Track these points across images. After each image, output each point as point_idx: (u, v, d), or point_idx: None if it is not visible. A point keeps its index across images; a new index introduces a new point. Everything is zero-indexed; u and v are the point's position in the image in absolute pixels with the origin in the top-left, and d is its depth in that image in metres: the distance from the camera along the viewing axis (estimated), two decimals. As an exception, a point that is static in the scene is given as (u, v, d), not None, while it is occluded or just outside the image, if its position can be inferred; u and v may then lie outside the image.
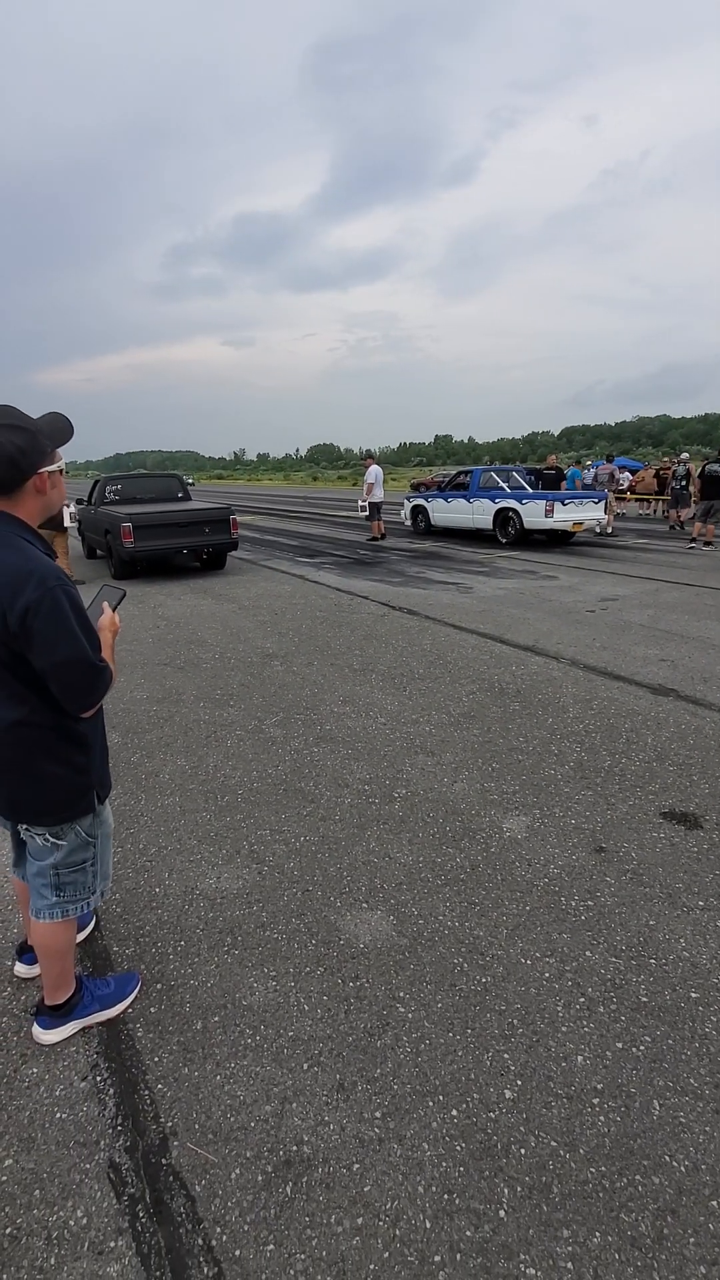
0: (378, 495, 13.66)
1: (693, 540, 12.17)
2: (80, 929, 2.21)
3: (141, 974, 2.06)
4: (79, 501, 11.50)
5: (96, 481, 10.82)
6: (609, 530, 14.15)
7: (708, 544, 11.98)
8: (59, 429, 1.58)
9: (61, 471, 1.59)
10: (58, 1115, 1.64)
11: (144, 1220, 1.41)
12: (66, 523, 8.32)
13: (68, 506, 8.33)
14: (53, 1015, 1.82)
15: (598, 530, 13.67)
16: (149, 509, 9.36)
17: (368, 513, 13.90)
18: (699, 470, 12.70)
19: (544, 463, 16.01)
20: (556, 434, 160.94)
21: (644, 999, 1.95)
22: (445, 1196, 1.44)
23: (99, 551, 10.66)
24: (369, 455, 14.48)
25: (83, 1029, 1.87)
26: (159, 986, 2.02)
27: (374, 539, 13.80)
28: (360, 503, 14.38)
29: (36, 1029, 1.83)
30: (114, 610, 1.77)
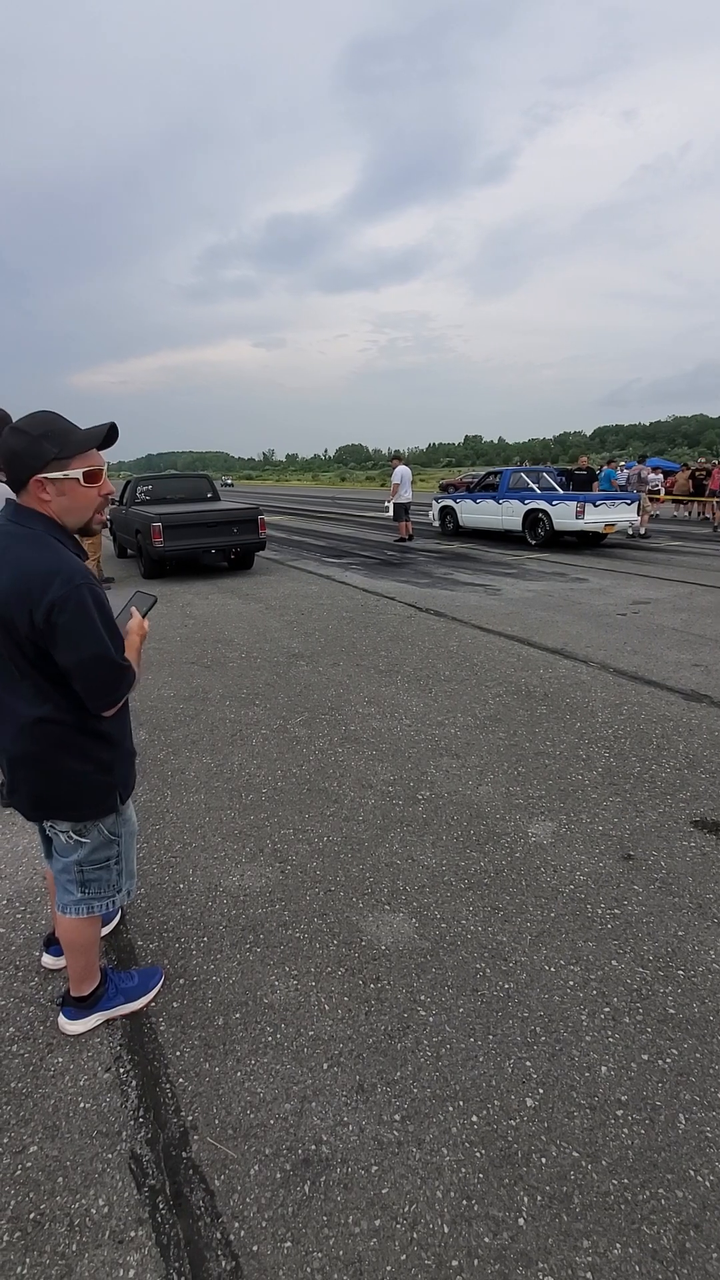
0: (405, 496, 13.61)
1: None
2: (105, 923, 2.25)
3: (165, 969, 2.08)
4: (111, 502, 11.71)
5: (128, 482, 11.02)
6: (642, 532, 13.88)
7: None
8: (72, 438, 1.50)
9: (79, 480, 1.52)
10: (81, 1105, 1.67)
11: (164, 1212, 1.43)
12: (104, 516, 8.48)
13: (113, 500, 8.46)
14: (78, 1006, 1.86)
15: (630, 533, 13.43)
16: (178, 509, 9.48)
17: (393, 514, 13.87)
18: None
19: (575, 463, 15.81)
20: (589, 434, 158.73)
21: (671, 1011, 1.90)
22: (464, 1202, 1.42)
23: (130, 551, 10.83)
24: (397, 456, 14.44)
25: (107, 1021, 1.90)
26: (181, 982, 2.04)
27: (401, 540, 13.77)
28: (385, 503, 14.37)
29: (62, 1019, 1.86)
30: (144, 616, 1.78)
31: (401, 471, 13.75)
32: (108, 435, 1.58)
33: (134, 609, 1.78)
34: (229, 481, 79.70)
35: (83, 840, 1.71)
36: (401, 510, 13.68)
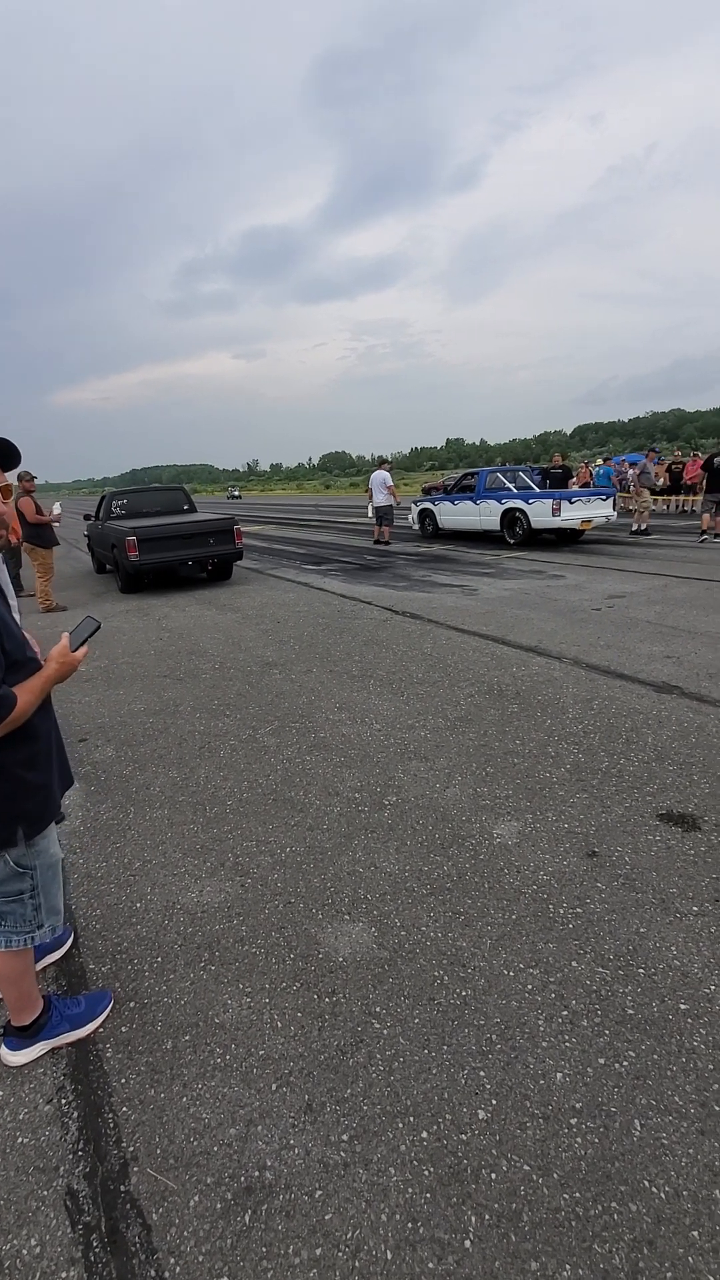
0: (379, 500, 13.62)
1: (703, 533, 11.96)
2: (57, 947, 2.19)
3: (115, 992, 2.02)
4: (86, 517, 11.63)
5: (103, 497, 10.94)
6: (643, 528, 13.76)
7: (718, 536, 11.78)
8: None
9: None
10: (19, 1140, 1.60)
11: (97, 1250, 1.37)
12: (56, 511, 8.37)
13: (56, 525, 8.38)
14: (19, 1036, 1.80)
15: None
16: (153, 522, 9.42)
17: (374, 517, 13.90)
18: (704, 462, 12.50)
19: (551, 461, 15.88)
20: (569, 433, 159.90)
21: (630, 1011, 1.86)
22: (409, 1225, 1.37)
23: (108, 566, 10.75)
24: (383, 461, 14.47)
25: (52, 1050, 1.84)
26: (132, 1005, 1.98)
27: (378, 543, 13.78)
28: (369, 508, 14.39)
29: (3, 1050, 1.80)
30: (81, 643, 1.68)
31: (376, 476, 13.79)
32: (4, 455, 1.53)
33: (65, 633, 1.70)
34: (236, 493, 77.43)
35: None
36: (378, 514, 13.69)
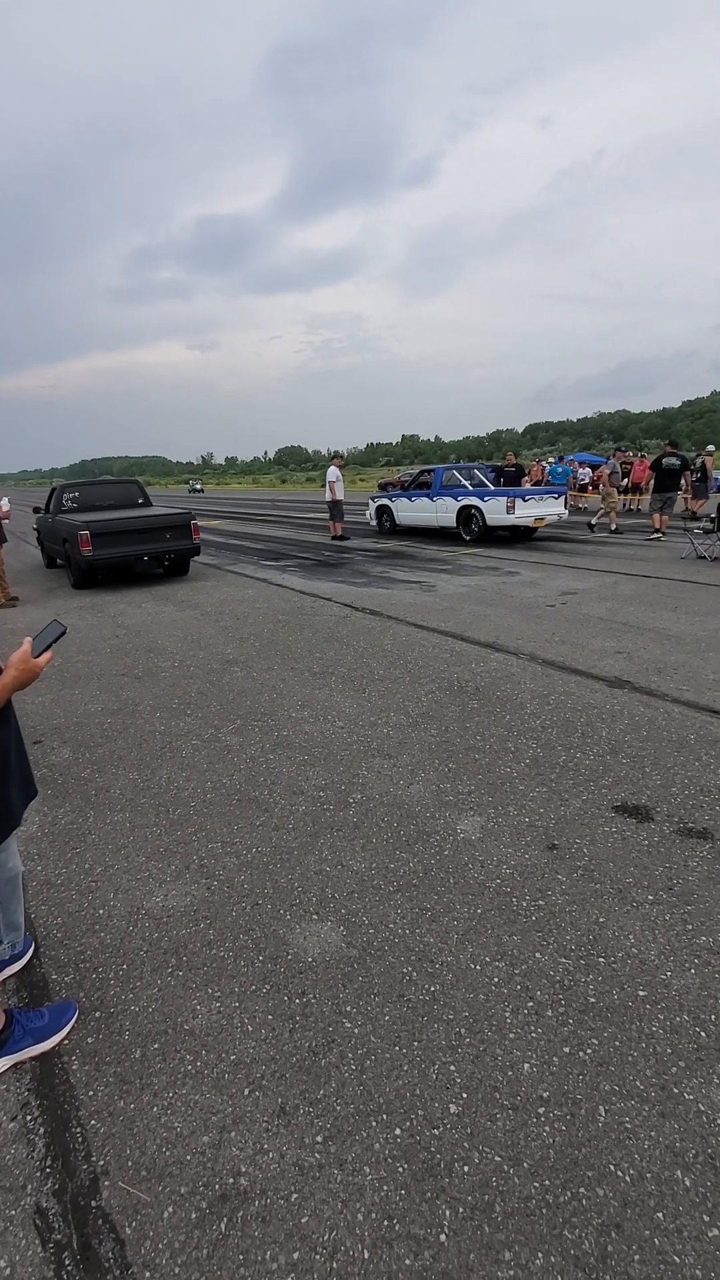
0: (337, 494, 13.63)
1: (655, 531, 12.38)
2: (15, 960, 2.12)
3: (80, 1002, 1.97)
4: (36, 510, 11.24)
5: (54, 490, 10.59)
6: (613, 528, 13.95)
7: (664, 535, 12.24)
8: None
9: None
10: (-20, 1158, 1.55)
11: (70, 1268, 1.34)
12: (4, 507, 8.07)
13: (5, 521, 8.07)
14: None
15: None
16: (107, 516, 9.18)
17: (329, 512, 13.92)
18: (653, 462, 12.93)
19: (504, 460, 16.14)
20: (520, 431, 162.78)
21: (592, 1000, 1.93)
22: (385, 1223, 1.39)
23: (59, 561, 10.42)
24: (336, 455, 14.44)
25: (14, 1065, 1.78)
26: (98, 1015, 1.94)
27: (336, 538, 13.78)
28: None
29: None
30: (45, 649, 1.63)
31: (333, 470, 13.79)
32: None
33: (27, 640, 1.64)
34: (199, 487, 72.75)
35: None
36: (333, 508, 13.70)
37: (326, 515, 14.48)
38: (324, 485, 13.98)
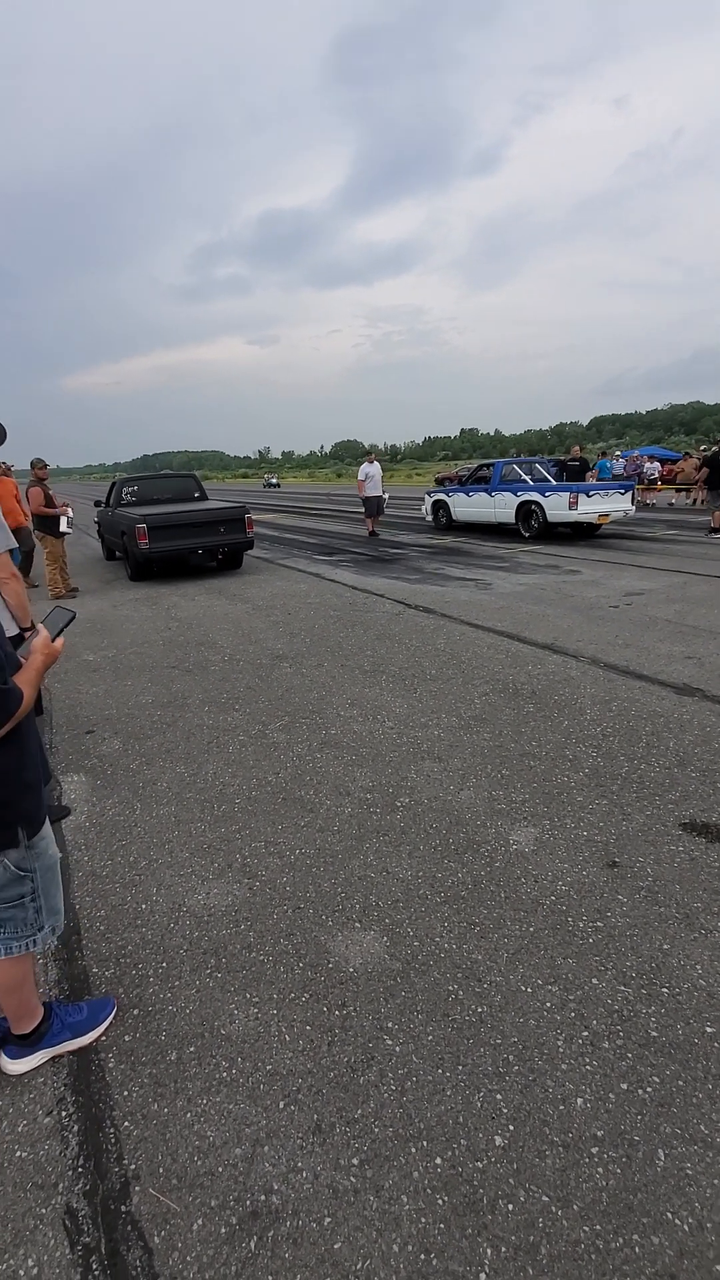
0: (369, 490, 13.57)
1: (714, 530, 11.82)
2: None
3: (119, 998, 1.97)
4: (96, 504, 11.58)
5: (114, 483, 10.88)
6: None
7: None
8: None
9: None
10: (18, 1154, 1.55)
11: (97, 1273, 1.31)
12: (63, 528, 8.29)
13: (66, 513, 8.30)
14: (20, 1044, 1.74)
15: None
16: (164, 510, 9.35)
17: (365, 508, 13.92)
18: (709, 458, 12.30)
19: (569, 453, 15.66)
20: (585, 424, 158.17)
21: (654, 1034, 1.79)
22: (422, 1257, 1.31)
23: (117, 553, 10.71)
24: (369, 452, 14.40)
25: (53, 1059, 1.79)
26: (136, 1012, 1.93)
27: (370, 534, 13.84)
28: (385, 497, 14.29)
29: (3, 1059, 1.75)
30: (58, 634, 1.64)
31: (364, 468, 13.76)
32: None
33: (41, 625, 1.64)
34: (275, 481, 67.46)
35: None
36: (368, 504, 13.68)
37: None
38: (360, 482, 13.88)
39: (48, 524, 8.20)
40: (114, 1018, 1.89)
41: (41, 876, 1.66)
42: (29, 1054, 1.75)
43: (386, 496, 14.42)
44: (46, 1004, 1.80)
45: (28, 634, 1.72)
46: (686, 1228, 1.34)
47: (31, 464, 8.51)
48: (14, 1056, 1.74)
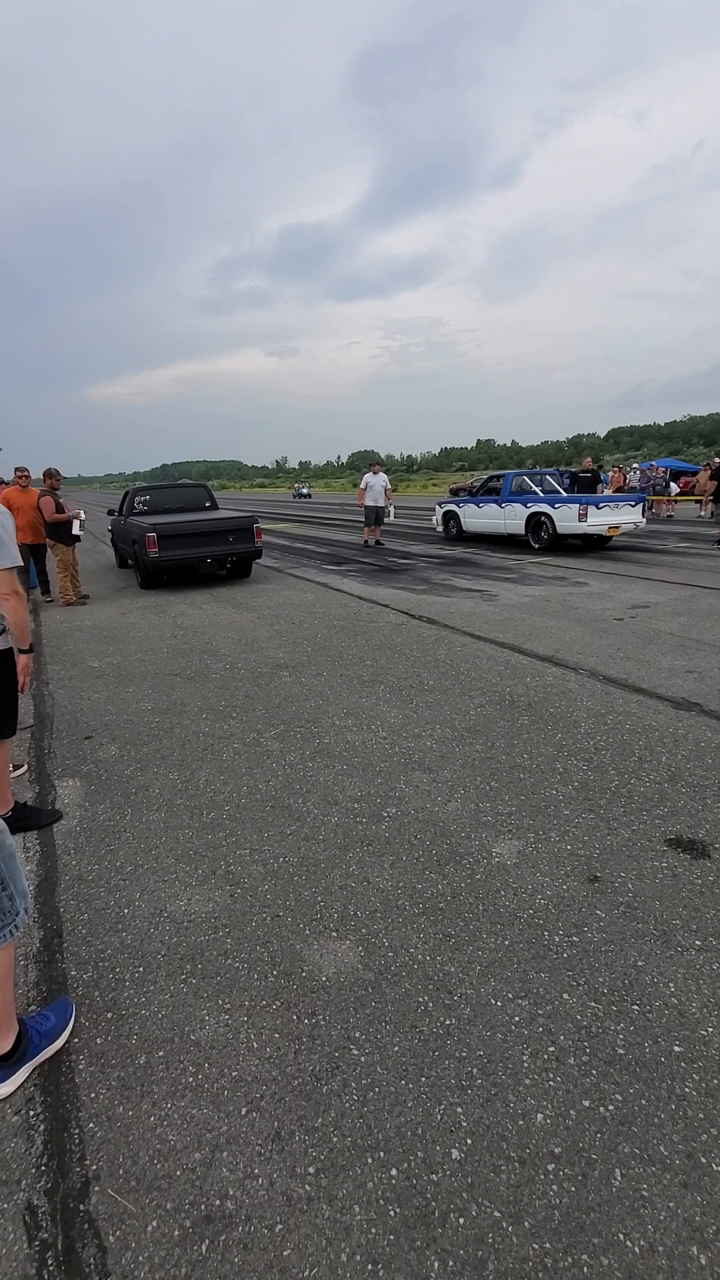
0: (368, 500, 13.65)
1: (718, 542, 11.80)
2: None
3: (94, 1001, 2.00)
4: (110, 512, 11.76)
5: (127, 493, 11.05)
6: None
7: None
8: None
9: None
10: (-17, 1146, 1.59)
11: (52, 1268, 1.34)
12: (75, 530, 8.42)
13: (78, 519, 8.43)
14: (3, 1065, 1.74)
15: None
16: (174, 519, 9.48)
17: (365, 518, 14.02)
18: (715, 471, 12.23)
19: (581, 464, 15.63)
20: (603, 435, 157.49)
21: (620, 1051, 1.78)
22: (369, 1267, 1.32)
23: (129, 561, 10.85)
24: (373, 463, 14.49)
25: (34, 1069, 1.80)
26: (110, 1015, 1.96)
27: (372, 544, 13.90)
28: (389, 507, 14.37)
29: None
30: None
31: (365, 478, 13.88)
32: None
33: None
34: (305, 491, 62.97)
35: None
36: (368, 514, 13.75)
37: (391, 519, 14.54)
38: (396, 489, 13.99)
39: (59, 532, 8.34)
40: (87, 1021, 1.92)
41: (5, 864, 1.72)
42: (12, 1073, 1.74)
43: (391, 507, 14.51)
44: (21, 1022, 1.80)
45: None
46: (638, 1249, 1.34)
47: (45, 474, 8.67)
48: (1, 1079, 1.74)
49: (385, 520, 14.41)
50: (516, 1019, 1.89)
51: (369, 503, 13.68)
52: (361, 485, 13.88)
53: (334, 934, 2.26)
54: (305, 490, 63.06)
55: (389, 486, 13.93)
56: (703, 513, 19.45)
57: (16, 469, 8.58)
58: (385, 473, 14.12)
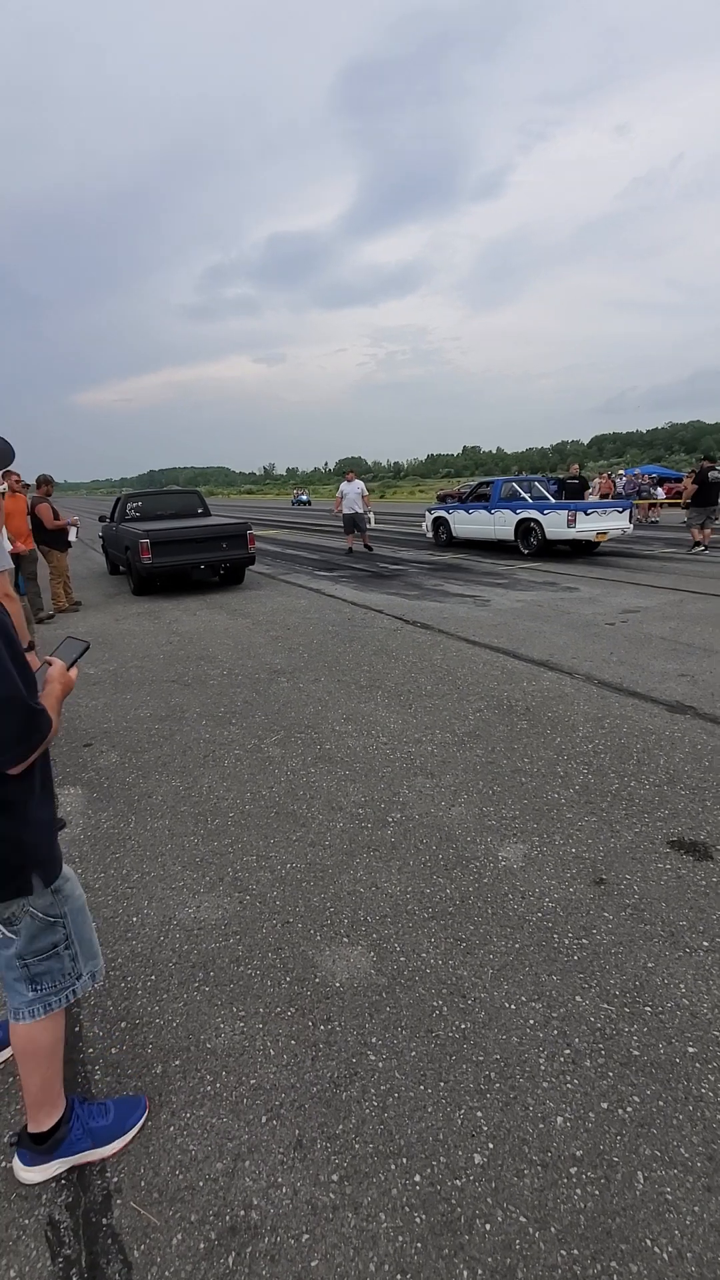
0: (345, 508, 13.82)
1: (696, 545, 12.04)
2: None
3: (106, 1010, 1.98)
4: (101, 519, 11.70)
5: (118, 499, 10.99)
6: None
7: (706, 548, 11.95)
8: None
9: None
10: (2, 1164, 1.57)
11: (76, 1287, 1.32)
12: (71, 538, 8.37)
13: (75, 526, 8.38)
14: (35, 1149, 1.52)
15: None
16: (167, 525, 9.44)
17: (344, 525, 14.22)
18: (695, 476, 12.43)
19: (568, 471, 15.78)
20: (586, 442, 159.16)
21: (635, 1052, 1.80)
22: (398, 1276, 1.32)
23: (121, 568, 10.79)
24: (348, 472, 14.57)
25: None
26: (124, 1025, 1.94)
27: (356, 550, 14.04)
28: (368, 513, 14.46)
29: (16, 1162, 1.54)
30: (72, 664, 1.57)
31: (342, 486, 14.04)
32: None
33: (54, 657, 1.57)
34: (305, 498, 56.63)
35: (12, 932, 1.43)
36: (346, 522, 13.92)
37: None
38: (384, 495, 14.08)
39: (54, 539, 8.28)
40: (146, 1117, 1.65)
41: (73, 919, 1.53)
42: (43, 1162, 1.52)
43: (370, 514, 14.64)
44: (68, 1098, 1.59)
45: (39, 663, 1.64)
46: (666, 1256, 1.34)
47: (37, 480, 8.61)
48: (28, 1163, 1.53)
49: (367, 526, 14.46)
50: (531, 1022, 1.90)
51: (346, 511, 13.85)
52: (338, 494, 13.99)
53: (345, 939, 2.26)
54: (305, 497, 57.77)
55: (365, 493, 13.99)
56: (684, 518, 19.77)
57: (10, 474, 8.50)
58: (361, 480, 14.21)
